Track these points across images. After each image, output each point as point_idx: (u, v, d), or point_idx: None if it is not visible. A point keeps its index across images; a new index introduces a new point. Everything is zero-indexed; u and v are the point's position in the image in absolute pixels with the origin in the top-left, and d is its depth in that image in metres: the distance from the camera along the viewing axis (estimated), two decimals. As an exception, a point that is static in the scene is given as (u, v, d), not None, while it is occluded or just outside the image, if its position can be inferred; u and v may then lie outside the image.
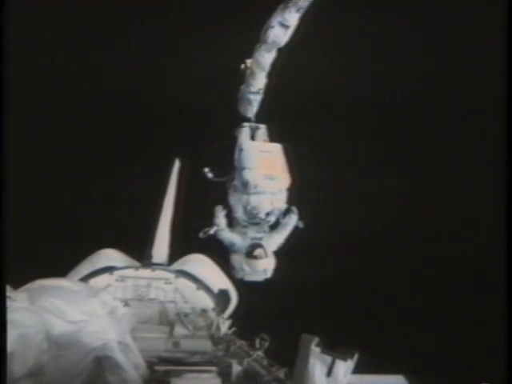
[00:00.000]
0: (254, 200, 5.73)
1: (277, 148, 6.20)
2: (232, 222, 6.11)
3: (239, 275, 6.07)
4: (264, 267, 5.79)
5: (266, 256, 5.75)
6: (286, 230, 5.94)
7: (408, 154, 12.25)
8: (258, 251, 5.69)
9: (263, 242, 5.81)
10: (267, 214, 5.84)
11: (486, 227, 10.16)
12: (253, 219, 5.86)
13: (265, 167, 5.80)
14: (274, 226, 6.03)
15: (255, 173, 5.74)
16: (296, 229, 6.04)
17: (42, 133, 11.85)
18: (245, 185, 5.71)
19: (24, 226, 9.18)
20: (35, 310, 4.00)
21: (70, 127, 12.53)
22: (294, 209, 5.94)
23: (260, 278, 5.96)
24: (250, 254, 5.73)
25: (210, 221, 6.04)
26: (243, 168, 5.82)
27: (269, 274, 5.92)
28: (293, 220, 5.94)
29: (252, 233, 5.88)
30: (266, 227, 5.92)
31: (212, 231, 5.93)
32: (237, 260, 5.94)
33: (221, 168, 6.17)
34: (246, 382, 4.56)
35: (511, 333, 4.17)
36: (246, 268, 5.85)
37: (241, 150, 6.06)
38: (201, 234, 6.00)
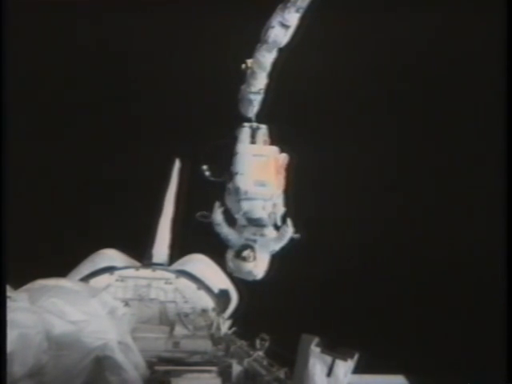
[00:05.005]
0: (245, 205, 5.73)
1: (272, 151, 6.16)
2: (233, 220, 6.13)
3: (228, 270, 6.16)
4: (249, 269, 5.80)
5: (255, 259, 5.75)
6: (282, 240, 5.90)
7: (409, 157, 12.26)
8: (246, 252, 5.71)
9: (256, 245, 5.81)
10: (268, 216, 5.84)
11: (486, 227, 10.16)
12: (251, 221, 5.86)
13: (257, 173, 5.77)
14: (273, 232, 6.01)
15: (246, 179, 5.72)
16: (292, 240, 5.99)
17: (42, 133, 11.86)
18: (236, 190, 5.73)
19: (24, 225, 9.20)
20: (35, 310, 4.00)
21: (70, 127, 12.54)
22: (289, 222, 5.91)
23: (247, 278, 5.99)
24: (238, 253, 5.76)
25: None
26: (236, 173, 5.82)
27: (257, 277, 5.93)
28: (288, 233, 5.90)
29: (248, 234, 5.89)
30: (263, 230, 5.90)
31: (207, 220, 5.95)
32: (228, 255, 6.01)
33: (219, 168, 6.16)
34: (246, 382, 4.56)
35: (511, 333, 4.17)
36: (232, 266, 5.92)
37: (235, 153, 6.05)
38: (197, 214, 6.02)
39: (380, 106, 11.94)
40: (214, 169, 6.17)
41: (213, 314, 7.10)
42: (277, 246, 5.92)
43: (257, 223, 5.87)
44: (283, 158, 6.12)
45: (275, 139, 6.44)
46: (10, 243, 3.61)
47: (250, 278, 5.98)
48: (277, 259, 6.04)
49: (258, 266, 5.84)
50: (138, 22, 11.57)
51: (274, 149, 6.22)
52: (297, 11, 4.77)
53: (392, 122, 11.86)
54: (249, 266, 5.78)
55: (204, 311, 7.16)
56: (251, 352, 5.09)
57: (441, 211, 11.84)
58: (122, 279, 7.41)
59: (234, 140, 6.35)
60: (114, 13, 11.19)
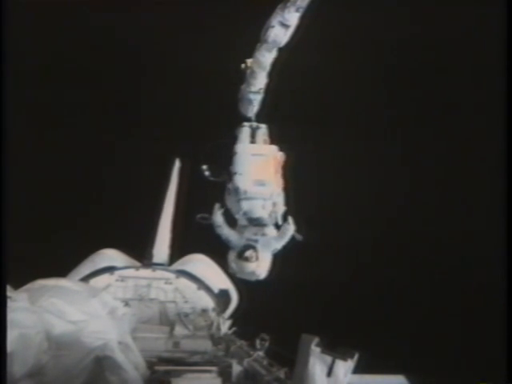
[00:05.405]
0: (245, 205, 5.74)
1: (271, 150, 6.17)
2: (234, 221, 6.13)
3: (230, 271, 6.14)
4: (252, 270, 5.80)
5: (257, 259, 5.75)
6: (283, 239, 5.91)
7: (409, 157, 12.25)
8: (248, 253, 5.71)
9: (258, 245, 5.80)
10: (269, 216, 5.84)
11: (486, 227, 10.16)
12: (251, 221, 5.86)
13: (256, 172, 5.80)
14: (274, 231, 6.00)
15: (245, 179, 5.75)
16: (293, 239, 5.98)
17: (42, 132, 11.86)
18: (235, 190, 5.73)
19: (24, 225, 9.19)
20: (35, 310, 3.99)
21: (71, 127, 12.53)
22: (290, 220, 5.91)
23: (250, 278, 5.98)
24: (240, 254, 5.76)
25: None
26: (235, 173, 5.84)
27: (260, 277, 5.92)
28: (289, 231, 5.90)
29: (249, 234, 5.89)
30: (264, 230, 5.90)
31: (207, 222, 5.95)
32: (230, 256, 6.00)
33: (219, 168, 6.16)
34: (246, 382, 4.55)
35: (511, 333, 4.16)
36: (235, 267, 5.91)
37: (235, 153, 6.06)
38: (197, 217, 6.03)
39: (379, 106, 11.94)
40: (213, 169, 6.18)
41: (213, 314, 7.08)
42: (279, 245, 5.92)
43: (257, 223, 5.87)
44: (280, 156, 6.14)
45: (275, 138, 6.45)
46: (10, 243, 3.61)
47: (253, 279, 5.98)
48: (277, 259, 6.04)
49: (260, 266, 5.84)
50: (138, 22, 11.57)
51: (273, 148, 6.23)
52: (297, 11, 4.79)
53: (392, 122, 11.85)
54: (252, 266, 5.77)
55: (204, 311, 7.15)
56: (251, 352, 5.07)
57: (441, 211, 11.83)
58: (122, 279, 7.40)
59: (233, 140, 6.36)
60: (114, 13, 11.20)
